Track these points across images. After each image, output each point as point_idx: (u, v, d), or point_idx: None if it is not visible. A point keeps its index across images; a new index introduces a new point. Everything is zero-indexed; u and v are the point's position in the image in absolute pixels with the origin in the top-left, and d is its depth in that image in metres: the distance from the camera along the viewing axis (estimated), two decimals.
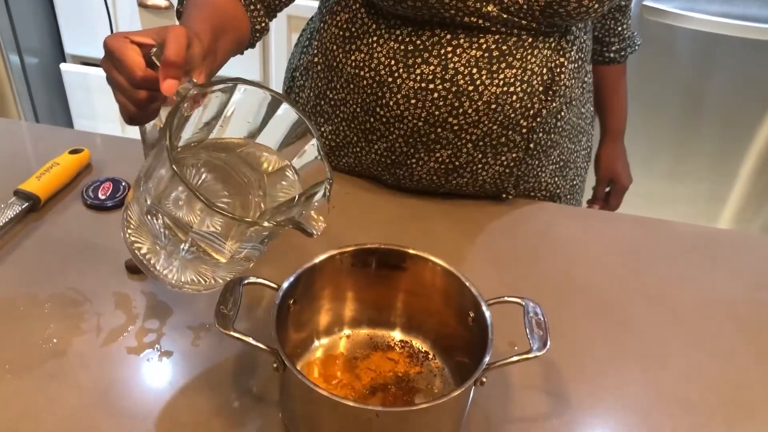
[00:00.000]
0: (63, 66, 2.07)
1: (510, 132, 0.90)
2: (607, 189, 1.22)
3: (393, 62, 0.87)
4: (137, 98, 0.62)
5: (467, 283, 0.67)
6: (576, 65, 0.92)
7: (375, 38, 0.88)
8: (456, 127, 0.89)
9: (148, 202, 0.60)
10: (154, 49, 0.60)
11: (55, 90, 2.12)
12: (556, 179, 1.03)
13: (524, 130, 0.91)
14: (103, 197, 0.91)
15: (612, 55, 1.12)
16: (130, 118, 0.64)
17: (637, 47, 1.14)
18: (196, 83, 0.61)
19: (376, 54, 0.88)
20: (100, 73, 2.32)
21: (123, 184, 0.93)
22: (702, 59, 1.87)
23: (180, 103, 0.57)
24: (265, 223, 0.59)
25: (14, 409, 0.65)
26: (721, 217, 2.17)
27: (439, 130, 0.89)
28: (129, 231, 0.63)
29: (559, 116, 0.93)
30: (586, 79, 0.98)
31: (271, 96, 0.63)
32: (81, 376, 0.69)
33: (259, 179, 0.66)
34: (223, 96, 0.62)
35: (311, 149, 0.64)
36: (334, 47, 0.92)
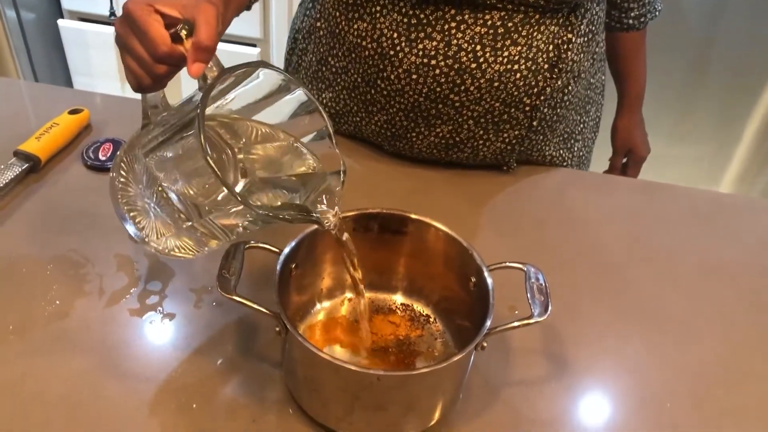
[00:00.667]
0: (60, 22, 2.04)
1: (512, 110, 0.89)
2: (624, 159, 1.20)
3: (395, 35, 0.85)
4: (155, 72, 0.60)
5: (469, 248, 0.67)
6: (585, 39, 0.90)
7: (378, 8, 0.86)
8: (457, 104, 0.88)
9: (158, 174, 0.60)
10: (181, 26, 0.59)
11: (52, 46, 2.10)
12: (561, 151, 1.02)
13: (527, 108, 0.89)
14: (103, 158, 0.91)
15: (631, 21, 1.07)
16: (140, 88, 0.62)
17: (657, 13, 1.08)
18: (221, 65, 0.59)
19: (378, 25, 0.86)
20: (97, 29, 2.30)
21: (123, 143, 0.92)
22: (708, 17, 1.84)
23: (211, 87, 0.56)
24: (284, 215, 0.58)
25: (18, 370, 0.66)
26: (723, 180, 2.16)
27: (440, 106, 0.88)
28: (121, 193, 0.63)
29: (566, 90, 0.92)
30: (596, 49, 0.95)
31: (288, 82, 0.62)
32: (84, 337, 0.70)
33: (241, 146, 0.65)
34: (240, 77, 0.61)
35: (321, 136, 0.64)
36: (337, 13, 0.90)
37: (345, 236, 0.63)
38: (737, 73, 1.93)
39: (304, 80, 1.02)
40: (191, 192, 0.61)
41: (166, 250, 0.65)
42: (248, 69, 0.59)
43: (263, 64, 0.59)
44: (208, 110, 0.59)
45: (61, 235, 0.81)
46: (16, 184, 0.87)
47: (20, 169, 0.86)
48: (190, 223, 0.61)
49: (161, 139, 0.61)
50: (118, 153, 0.67)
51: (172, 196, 0.61)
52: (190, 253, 0.66)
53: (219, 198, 0.59)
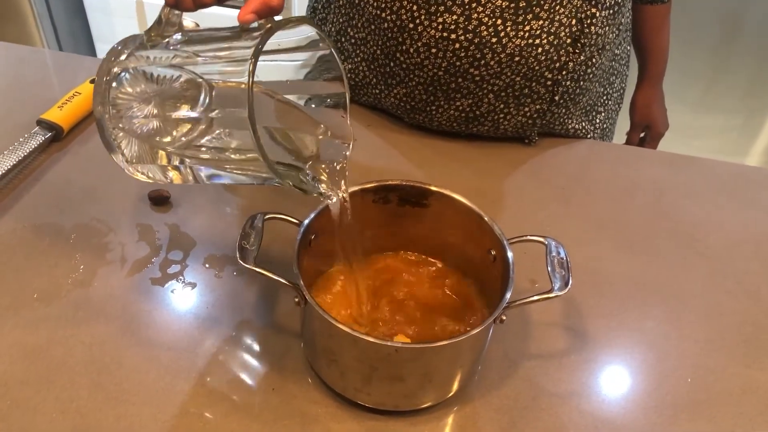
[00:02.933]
0: None
1: (534, 84, 0.87)
2: (642, 134, 1.18)
3: (415, 7, 0.84)
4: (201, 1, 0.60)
5: (489, 221, 0.66)
6: (611, 11, 0.87)
7: None
8: (477, 78, 0.86)
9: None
10: None
11: (76, 14, 2.10)
12: (584, 124, 1.00)
13: (549, 83, 0.88)
14: None
15: None
16: (179, 3, 0.61)
17: None
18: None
19: None
20: None
21: None
22: None
23: (263, 39, 0.55)
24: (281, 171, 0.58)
25: (43, 335, 0.67)
26: (751, 151, 2.12)
27: (459, 80, 0.87)
28: (117, 91, 0.62)
29: (589, 63, 0.90)
30: (623, 20, 0.93)
31: (319, 39, 0.61)
32: (106, 305, 0.70)
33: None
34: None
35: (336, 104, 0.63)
36: None
37: (345, 216, 0.62)
38: (764, 44, 1.88)
39: None
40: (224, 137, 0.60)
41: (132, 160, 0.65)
42: (291, 25, 0.58)
43: (307, 20, 0.59)
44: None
45: (84, 204, 0.82)
46: (39, 153, 0.87)
47: (43, 138, 0.87)
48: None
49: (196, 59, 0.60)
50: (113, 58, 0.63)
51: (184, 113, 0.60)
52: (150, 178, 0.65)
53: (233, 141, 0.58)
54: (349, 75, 0.97)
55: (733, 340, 0.73)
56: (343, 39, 0.95)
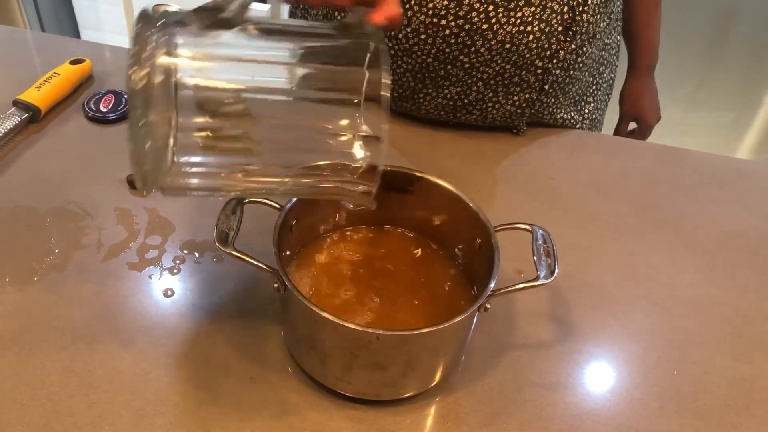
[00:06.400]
0: None
1: (524, 72, 0.86)
2: (633, 128, 1.16)
3: None
4: None
5: (475, 208, 0.65)
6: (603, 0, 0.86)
7: None
8: (467, 65, 0.85)
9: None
10: None
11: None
12: (572, 113, 0.99)
13: (539, 71, 0.87)
14: (104, 110, 0.89)
15: None
16: None
17: None
18: None
19: None
20: None
21: (125, 96, 0.90)
22: None
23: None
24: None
25: (17, 321, 0.65)
26: (740, 148, 2.12)
27: (449, 67, 0.85)
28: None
29: (579, 52, 0.88)
30: (614, 9, 0.92)
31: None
32: (82, 290, 0.69)
33: None
34: None
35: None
36: None
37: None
38: (757, 41, 1.88)
39: None
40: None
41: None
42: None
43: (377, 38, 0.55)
44: None
45: (61, 186, 0.80)
46: (16, 134, 0.85)
47: (20, 119, 0.85)
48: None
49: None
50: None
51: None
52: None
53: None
54: None
55: (721, 332, 0.72)
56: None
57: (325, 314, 0.55)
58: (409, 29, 0.83)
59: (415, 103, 0.92)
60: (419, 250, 0.72)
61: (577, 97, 0.97)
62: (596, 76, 0.98)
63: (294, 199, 0.64)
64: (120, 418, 0.59)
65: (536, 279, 0.59)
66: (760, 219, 0.87)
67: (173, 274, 0.71)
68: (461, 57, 0.84)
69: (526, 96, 0.89)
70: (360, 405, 0.62)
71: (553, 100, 0.92)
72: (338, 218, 0.71)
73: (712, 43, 1.91)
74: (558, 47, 0.84)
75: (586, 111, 1.01)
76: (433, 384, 0.62)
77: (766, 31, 1.86)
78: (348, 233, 0.72)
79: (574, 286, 0.75)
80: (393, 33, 0.84)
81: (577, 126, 1.01)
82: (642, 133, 1.16)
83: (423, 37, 0.83)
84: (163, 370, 0.63)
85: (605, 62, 0.99)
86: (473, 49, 0.83)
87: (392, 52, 0.86)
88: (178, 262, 0.73)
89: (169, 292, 0.70)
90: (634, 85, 1.13)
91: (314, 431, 0.60)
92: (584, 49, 0.89)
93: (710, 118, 2.06)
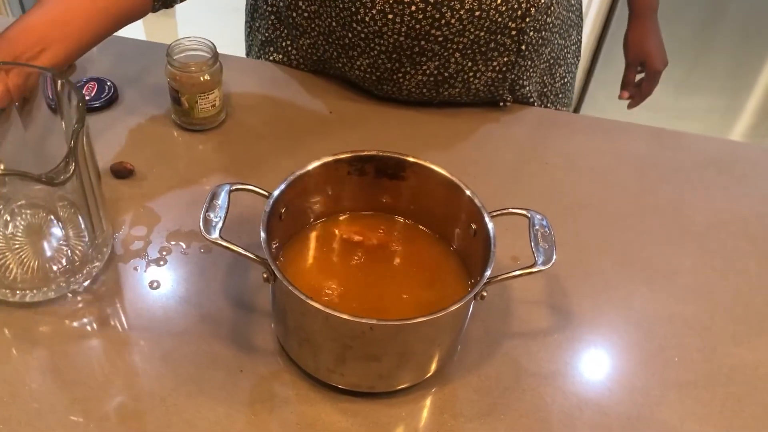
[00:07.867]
0: None
1: (499, 36, 0.85)
2: (641, 76, 1.12)
3: None
4: None
5: (469, 193, 0.63)
6: None
7: None
8: (440, 38, 0.83)
9: None
10: None
11: None
12: (545, 78, 0.98)
13: (513, 32, 0.86)
14: (87, 97, 0.86)
15: None
16: None
17: None
18: None
19: None
20: None
21: (108, 83, 0.88)
22: None
23: None
24: None
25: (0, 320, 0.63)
26: (734, 132, 2.11)
27: (422, 42, 0.83)
28: None
29: (548, 11, 0.88)
30: None
31: None
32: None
33: None
34: None
35: None
36: None
37: None
38: (749, 23, 1.86)
39: (273, 27, 0.96)
40: None
41: None
42: None
43: None
44: None
45: None
46: None
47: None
48: None
49: None
50: None
51: None
52: None
53: None
54: (309, 50, 0.93)
55: (722, 318, 0.71)
56: (294, 14, 0.90)
57: (316, 304, 0.53)
58: (374, 11, 0.81)
59: (396, 84, 0.90)
60: (413, 237, 0.70)
61: (552, 61, 0.97)
62: (566, 38, 0.99)
63: (283, 186, 0.62)
64: (106, 414, 0.57)
65: (534, 265, 0.58)
66: (756, 201, 0.85)
67: (159, 265, 0.69)
68: (433, 31, 0.82)
69: (505, 59, 0.89)
70: (354, 397, 0.60)
71: (529, 62, 0.92)
72: (329, 205, 0.69)
73: (702, 28, 1.90)
74: (529, 5, 0.84)
75: (558, 75, 1.01)
76: (428, 375, 0.61)
77: (758, 12, 1.84)
78: (340, 220, 0.70)
79: (571, 273, 0.73)
80: (359, 16, 0.82)
81: (547, 90, 1.00)
82: (649, 81, 1.11)
83: (390, 17, 0.82)
84: (151, 364, 0.61)
85: (572, 24, 0.99)
86: (443, 21, 0.81)
87: (362, 35, 0.85)
88: (164, 253, 0.71)
89: (155, 284, 0.67)
90: (637, 29, 1.10)
91: (307, 425, 0.58)
92: (552, 8, 0.89)
93: (702, 102, 2.05)
